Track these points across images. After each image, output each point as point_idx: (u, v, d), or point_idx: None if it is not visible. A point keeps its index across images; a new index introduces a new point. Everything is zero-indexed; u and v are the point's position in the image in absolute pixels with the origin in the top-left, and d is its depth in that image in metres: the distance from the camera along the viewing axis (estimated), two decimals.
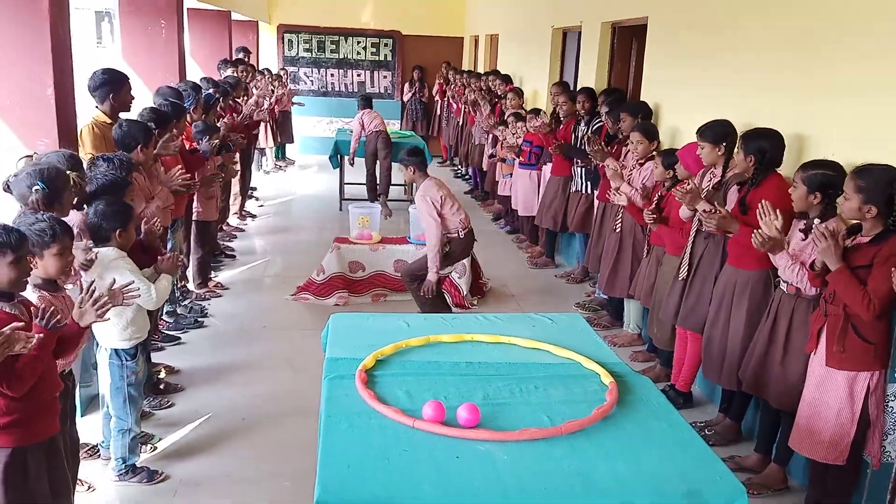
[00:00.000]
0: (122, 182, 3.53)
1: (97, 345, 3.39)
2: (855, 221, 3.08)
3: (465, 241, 5.39)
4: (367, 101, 9.55)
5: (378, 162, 9.17)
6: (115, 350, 3.32)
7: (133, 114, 4.55)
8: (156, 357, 4.65)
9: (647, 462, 2.14)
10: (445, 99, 12.21)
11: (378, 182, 9.22)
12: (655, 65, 5.64)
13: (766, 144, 3.60)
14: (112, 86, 4.36)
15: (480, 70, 12.01)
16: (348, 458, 2.11)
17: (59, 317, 2.37)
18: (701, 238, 4.16)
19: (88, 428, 3.78)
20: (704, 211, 3.75)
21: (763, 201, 3.29)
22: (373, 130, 9.16)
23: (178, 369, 4.60)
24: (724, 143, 4.01)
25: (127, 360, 3.32)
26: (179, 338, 5.05)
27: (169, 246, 4.92)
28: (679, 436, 2.29)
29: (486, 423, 2.29)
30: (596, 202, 6.10)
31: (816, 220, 3.19)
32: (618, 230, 5.24)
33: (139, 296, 2.94)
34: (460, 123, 11.05)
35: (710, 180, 4.16)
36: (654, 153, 5.02)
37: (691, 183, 4.10)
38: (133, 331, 3.30)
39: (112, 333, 3.27)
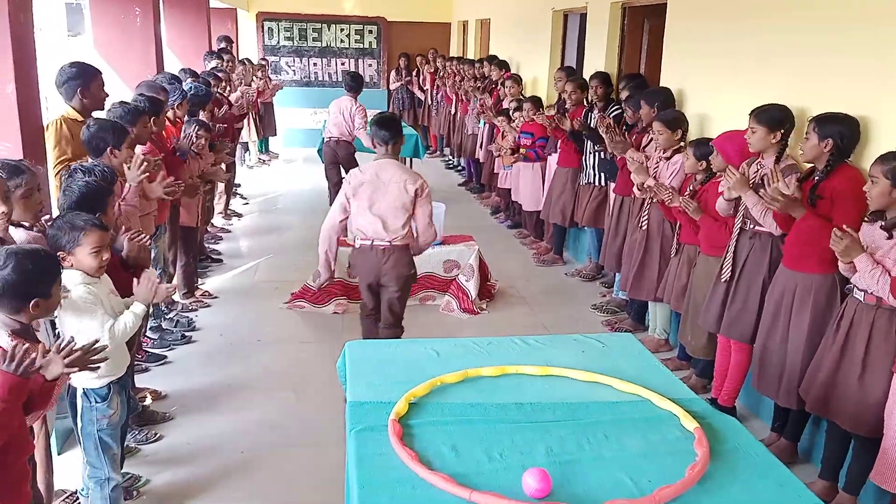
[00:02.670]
0: (103, 192, 3.04)
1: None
2: None
3: (358, 257, 4.04)
4: (353, 84, 7.97)
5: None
6: (84, 390, 2.83)
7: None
8: (140, 380, 4.17)
9: None
10: (435, 87, 11.72)
11: None
12: (677, 47, 5.20)
13: (846, 129, 3.19)
14: (81, 80, 3.87)
15: (470, 57, 11.54)
16: None
17: (32, 358, 1.93)
18: (746, 236, 3.76)
19: (67, 468, 3.31)
20: (764, 194, 3.32)
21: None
22: (332, 136, 7.88)
23: (165, 394, 4.12)
24: (782, 131, 3.59)
25: (97, 402, 2.82)
26: (166, 356, 4.57)
27: (152, 255, 4.43)
28: (796, 501, 1.86)
29: (559, 491, 1.84)
30: (612, 195, 5.67)
31: None
32: (644, 227, 4.82)
33: (105, 359, 2.33)
34: (452, 113, 10.57)
35: (758, 171, 3.74)
36: (683, 144, 4.60)
37: (743, 167, 3.68)
38: (104, 369, 2.79)
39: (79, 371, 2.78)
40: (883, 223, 2.91)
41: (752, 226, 3.71)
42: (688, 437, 2.13)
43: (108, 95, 4.07)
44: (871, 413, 2.94)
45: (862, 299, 2.99)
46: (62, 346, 2.08)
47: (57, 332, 2.83)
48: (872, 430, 2.93)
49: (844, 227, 2.91)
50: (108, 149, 3.50)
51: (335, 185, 7.57)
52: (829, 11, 3.60)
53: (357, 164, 7.10)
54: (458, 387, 2.46)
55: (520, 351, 2.78)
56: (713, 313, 3.90)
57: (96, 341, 2.25)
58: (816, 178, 3.31)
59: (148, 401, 3.97)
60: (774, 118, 3.62)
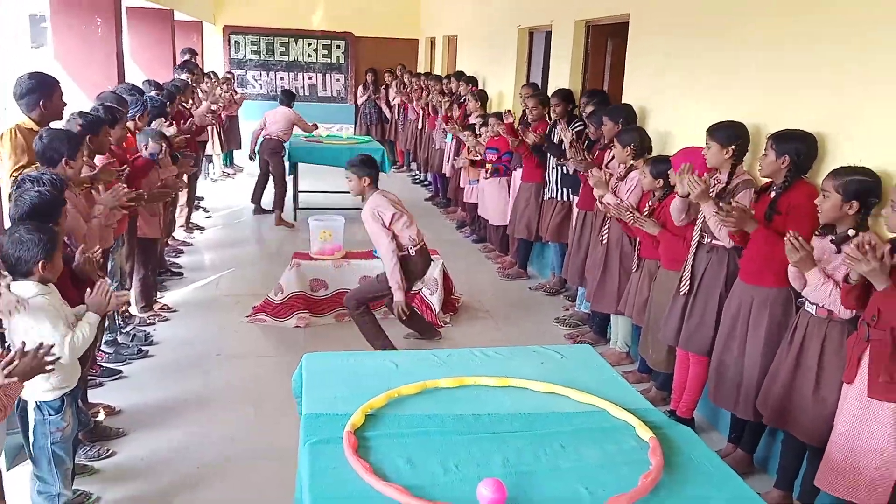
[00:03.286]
0: (56, 202, 2.99)
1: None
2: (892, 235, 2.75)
3: (420, 259, 4.85)
4: (285, 97, 9.06)
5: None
6: (38, 403, 2.77)
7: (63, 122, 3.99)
8: (93, 395, 4.07)
9: None
10: (402, 103, 11.75)
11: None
12: (639, 64, 5.28)
13: (802, 146, 3.25)
14: (42, 92, 3.82)
15: (438, 72, 11.59)
16: None
17: None
18: (703, 251, 3.81)
19: (16, 483, 3.21)
20: (720, 207, 3.36)
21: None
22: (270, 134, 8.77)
23: (119, 409, 4.03)
24: (734, 146, 3.65)
25: (50, 415, 2.77)
26: (121, 371, 4.48)
27: (108, 267, 4.35)
28: None
29: (514, 502, 1.83)
30: (575, 210, 5.72)
31: (852, 232, 2.86)
32: (604, 241, 4.86)
33: (57, 359, 2.36)
34: (419, 128, 10.60)
35: (715, 185, 3.79)
36: (633, 163, 4.65)
37: (706, 178, 3.72)
38: (58, 380, 2.75)
39: (33, 383, 2.72)
40: (833, 237, 2.97)
41: (709, 239, 3.76)
42: (643, 447, 2.14)
43: (66, 105, 4.01)
44: (825, 424, 2.97)
45: (814, 312, 3.05)
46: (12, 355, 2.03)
47: (7, 344, 2.77)
48: (826, 441, 2.97)
49: (799, 238, 2.95)
50: (63, 160, 3.43)
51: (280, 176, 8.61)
52: (787, 30, 3.68)
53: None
54: (415, 398, 2.43)
55: (479, 362, 2.77)
56: (672, 327, 3.94)
57: (41, 345, 2.21)
58: (773, 193, 3.37)
59: (101, 416, 3.88)
60: (727, 134, 3.68)
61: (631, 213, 4.32)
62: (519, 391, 2.52)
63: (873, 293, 2.71)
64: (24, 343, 2.25)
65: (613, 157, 5.00)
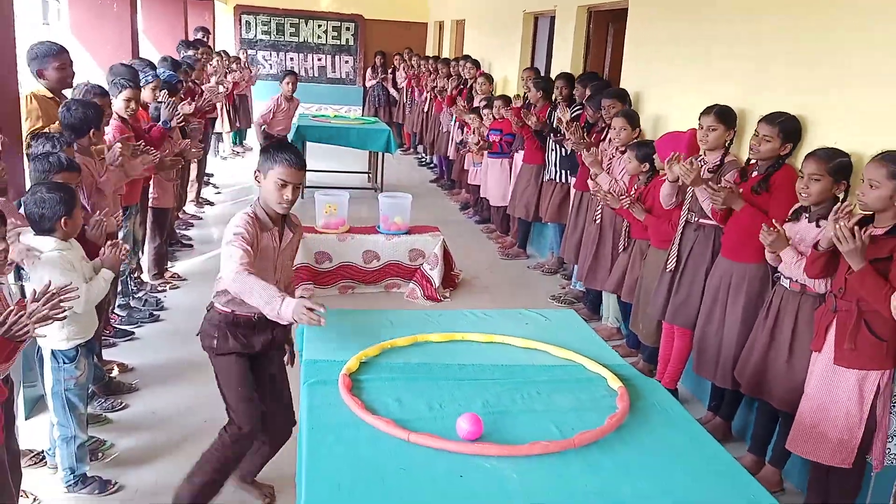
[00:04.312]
0: (70, 164, 3.20)
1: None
2: (862, 213, 2.92)
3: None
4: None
5: None
6: (53, 351, 2.98)
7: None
8: (107, 354, 4.30)
9: (673, 480, 1.92)
10: (411, 87, 11.90)
11: None
12: (636, 51, 5.44)
13: (799, 128, 3.46)
14: (50, 58, 3.99)
15: (446, 56, 11.74)
16: (338, 477, 1.84)
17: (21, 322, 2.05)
18: (690, 229, 3.99)
19: (33, 432, 3.45)
20: (710, 185, 3.54)
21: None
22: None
23: (131, 367, 4.25)
24: (734, 130, 3.85)
25: (65, 363, 2.99)
26: (133, 333, 4.70)
27: (121, 234, 4.56)
28: (703, 450, 2.07)
29: (490, 435, 2.03)
30: (573, 191, 5.89)
31: (836, 214, 2.99)
32: (598, 221, 5.04)
33: (77, 297, 2.45)
34: (425, 110, 10.76)
35: (704, 166, 3.97)
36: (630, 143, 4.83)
37: (692, 161, 3.90)
38: (73, 331, 2.96)
39: (49, 333, 2.93)
40: (807, 215, 3.15)
41: (696, 218, 3.93)
42: (612, 395, 2.34)
43: (74, 73, 4.17)
44: (797, 392, 3.15)
45: (788, 286, 3.23)
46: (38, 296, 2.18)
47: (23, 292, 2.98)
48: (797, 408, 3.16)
49: (773, 222, 3.15)
50: (91, 131, 3.63)
51: None
52: (778, 20, 3.84)
53: None
54: (407, 349, 2.64)
55: (468, 321, 2.97)
56: (659, 302, 4.12)
57: (68, 283, 2.32)
58: (758, 173, 3.53)
59: (115, 372, 4.10)
60: (731, 118, 3.87)
61: (619, 199, 4.47)
62: (503, 347, 2.73)
63: (840, 267, 2.88)
64: (34, 291, 2.36)
65: (609, 139, 5.17)
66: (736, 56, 4.18)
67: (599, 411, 2.20)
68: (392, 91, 12.86)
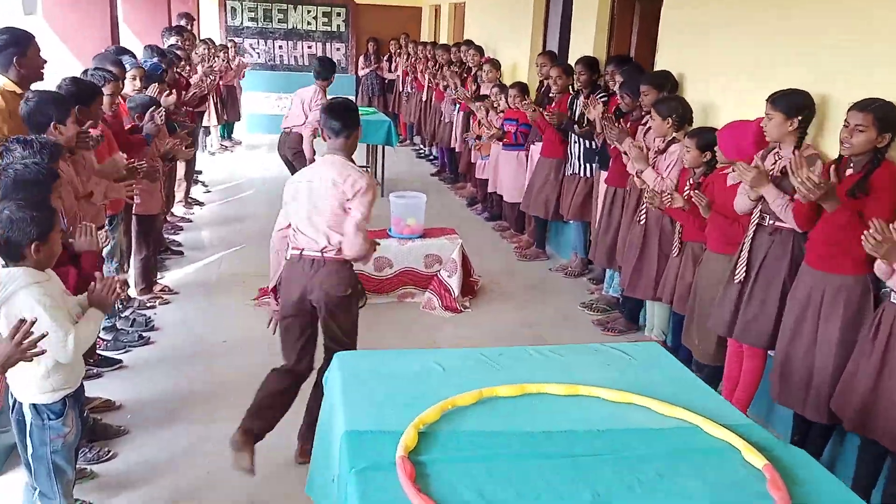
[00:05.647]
0: (49, 174, 2.62)
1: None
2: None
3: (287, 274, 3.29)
4: (321, 70, 7.20)
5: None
6: (34, 405, 2.41)
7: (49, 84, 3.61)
8: (91, 387, 3.71)
9: None
10: (406, 74, 11.30)
11: None
12: (676, 28, 4.88)
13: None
14: (15, 48, 3.42)
15: (444, 42, 11.13)
16: None
17: None
18: (764, 233, 3.45)
19: (8, 489, 2.89)
20: (811, 176, 2.95)
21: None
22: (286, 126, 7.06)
23: (119, 404, 3.68)
24: (800, 118, 3.29)
25: (50, 419, 2.42)
26: (121, 360, 4.12)
27: (108, 248, 3.99)
28: None
29: None
30: (602, 186, 5.34)
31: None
32: (642, 222, 4.50)
33: (44, 351, 2.03)
34: (423, 100, 10.16)
35: (775, 162, 3.44)
36: (677, 134, 4.29)
37: (756, 160, 3.38)
38: (58, 380, 2.39)
39: (28, 383, 2.37)
40: None
41: (771, 221, 3.40)
42: (755, 476, 1.79)
43: (45, 62, 3.61)
44: None
45: None
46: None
47: None
48: None
49: (877, 224, 2.61)
50: (52, 124, 3.05)
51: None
52: None
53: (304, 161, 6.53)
54: (472, 410, 2.08)
55: (535, 363, 2.41)
56: (724, 316, 3.59)
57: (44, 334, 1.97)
58: (853, 171, 3.01)
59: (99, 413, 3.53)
60: (792, 104, 3.32)
61: (671, 195, 3.96)
62: (590, 400, 2.17)
63: None
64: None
65: (649, 130, 4.63)
66: (794, 29, 3.64)
67: (745, 501, 1.65)
68: (388, 76, 12.25)
